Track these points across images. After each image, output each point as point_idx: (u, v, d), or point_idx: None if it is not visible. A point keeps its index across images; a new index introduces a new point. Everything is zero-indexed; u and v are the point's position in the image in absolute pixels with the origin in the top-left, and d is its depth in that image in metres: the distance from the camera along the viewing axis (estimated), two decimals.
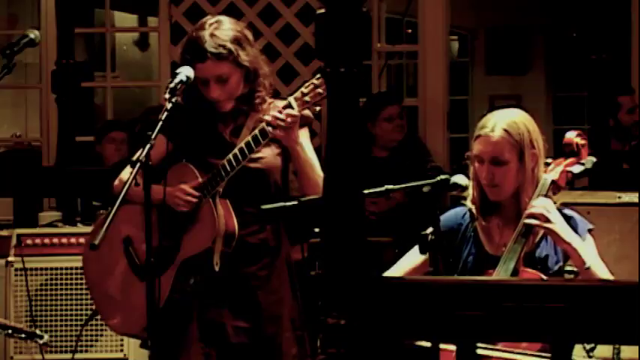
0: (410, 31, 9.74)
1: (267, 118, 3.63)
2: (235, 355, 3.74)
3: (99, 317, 4.13)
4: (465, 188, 3.46)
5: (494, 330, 2.28)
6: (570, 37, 10.80)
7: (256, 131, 3.67)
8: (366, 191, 2.76)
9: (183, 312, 3.74)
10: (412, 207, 5.72)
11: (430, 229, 3.32)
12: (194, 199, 3.70)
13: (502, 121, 3.45)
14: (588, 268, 3.32)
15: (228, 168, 3.69)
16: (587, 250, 3.37)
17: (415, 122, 6.93)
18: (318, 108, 3.67)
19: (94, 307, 4.09)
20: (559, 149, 3.56)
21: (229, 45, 3.69)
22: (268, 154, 3.78)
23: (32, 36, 3.91)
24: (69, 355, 5.28)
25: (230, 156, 3.69)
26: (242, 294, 3.77)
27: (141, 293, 3.69)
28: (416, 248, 3.48)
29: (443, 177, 3.42)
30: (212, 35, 3.69)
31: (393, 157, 6.28)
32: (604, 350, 4.18)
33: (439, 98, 6.86)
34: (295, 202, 3.50)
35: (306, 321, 3.85)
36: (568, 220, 3.44)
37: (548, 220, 3.35)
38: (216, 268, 3.72)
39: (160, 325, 3.54)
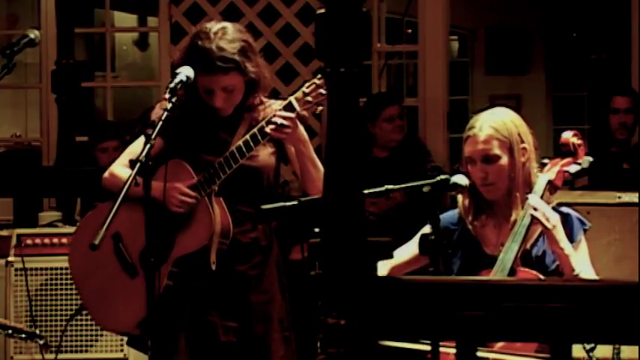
0: (410, 31, 9.74)
1: (270, 127, 3.62)
2: (224, 354, 3.74)
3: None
4: (465, 188, 3.47)
5: (494, 330, 2.28)
6: (570, 37, 10.81)
7: (255, 130, 3.67)
8: (366, 191, 2.75)
9: (174, 309, 3.73)
10: (412, 207, 5.71)
11: (430, 229, 3.32)
12: (190, 200, 3.69)
13: (489, 120, 3.50)
14: (577, 276, 3.35)
15: (226, 166, 3.68)
16: (578, 256, 3.40)
17: (415, 122, 6.93)
18: (320, 108, 3.66)
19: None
20: (558, 149, 3.57)
21: (237, 57, 3.68)
22: (263, 152, 3.78)
23: (32, 36, 3.91)
24: (69, 355, 5.28)
25: (227, 154, 3.69)
26: (233, 293, 3.77)
27: (131, 290, 3.70)
28: (412, 241, 3.50)
29: (443, 177, 3.42)
30: (219, 47, 3.66)
31: (393, 158, 6.28)
32: (604, 350, 4.18)
33: (439, 98, 6.86)
34: (295, 202, 3.50)
35: (294, 322, 3.85)
36: (565, 218, 3.46)
37: (549, 222, 3.37)
38: (213, 267, 3.72)
39: (155, 321, 3.54)
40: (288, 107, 3.64)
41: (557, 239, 3.37)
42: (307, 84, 3.64)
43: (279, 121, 3.61)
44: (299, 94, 3.64)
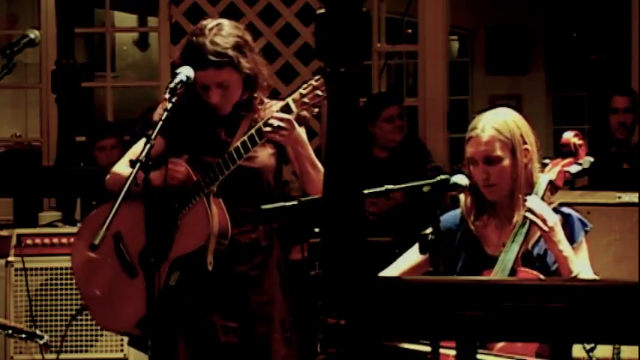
0: (410, 31, 9.75)
1: (267, 129, 3.62)
2: (224, 354, 3.74)
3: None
4: (464, 188, 3.46)
5: (493, 330, 2.29)
6: (570, 37, 10.82)
7: (253, 131, 3.67)
8: (366, 191, 2.76)
9: (173, 309, 3.73)
10: (412, 207, 5.72)
11: (430, 229, 3.32)
12: (181, 170, 3.68)
13: (491, 121, 3.49)
14: (575, 277, 3.34)
15: (224, 167, 3.68)
16: (578, 258, 3.39)
17: (415, 122, 6.93)
18: (316, 109, 3.66)
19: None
20: (559, 149, 3.57)
21: (230, 52, 3.68)
22: (262, 153, 3.78)
23: (32, 36, 3.91)
24: (70, 355, 5.28)
25: (225, 155, 3.69)
26: (232, 293, 3.76)
27: (131, 290, 3.69)
28: (415, 247, 3.49)
29: (443, 177, 3.42)
30: (213, 42, 3.66)
31: (393, 158, 6.28)
32: (604, 350, 4.18)
33: (439, 98, 6.86)
34: (295, 202, 3.50)
35: (296, 322, 3.85)
36: (565, 218, 3.46)
37: (546, 224, 3.36)
38: (210, 268, 3.71)
39: (155, 321, 3.54)
40: (285, 109, 3.63)
41: (555, 241, 3.36)
42: (304, 85, 3.64)
43: (276, 122, 3.61)
44: (296, 95, 3.64)
